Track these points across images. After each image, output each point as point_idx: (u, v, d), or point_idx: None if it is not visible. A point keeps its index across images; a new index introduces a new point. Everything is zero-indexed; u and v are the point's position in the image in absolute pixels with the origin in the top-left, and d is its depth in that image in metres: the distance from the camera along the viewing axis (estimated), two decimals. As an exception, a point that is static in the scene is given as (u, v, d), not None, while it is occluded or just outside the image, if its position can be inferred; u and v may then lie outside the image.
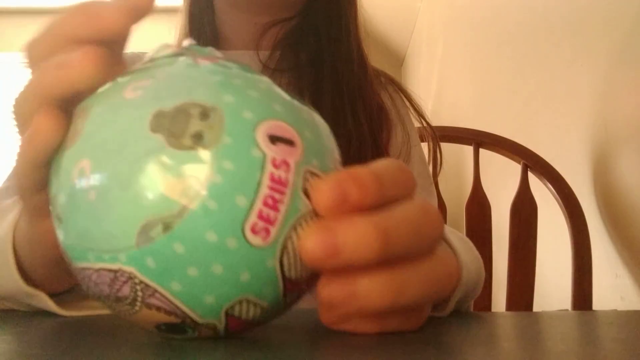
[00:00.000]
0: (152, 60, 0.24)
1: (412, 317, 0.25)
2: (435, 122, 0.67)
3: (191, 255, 0.20)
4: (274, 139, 0.21)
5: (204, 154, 0.20)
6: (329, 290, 0.22)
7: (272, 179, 0.21)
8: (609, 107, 0.80)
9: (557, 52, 1.00)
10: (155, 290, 0.21)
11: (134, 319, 0.22)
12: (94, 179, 0.21)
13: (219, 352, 0.21)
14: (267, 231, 0.21)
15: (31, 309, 0.34)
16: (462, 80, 1.80)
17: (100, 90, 0.23)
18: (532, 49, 1.13)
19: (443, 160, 0.66)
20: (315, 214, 0.21)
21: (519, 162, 0.84)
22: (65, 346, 0.23)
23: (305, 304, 0.26)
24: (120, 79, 0.23)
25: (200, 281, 0.20)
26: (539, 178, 0.83)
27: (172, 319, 0.22)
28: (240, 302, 0.21)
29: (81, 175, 0.21)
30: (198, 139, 0.20)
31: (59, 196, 0.22)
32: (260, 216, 0.20)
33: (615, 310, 0.62)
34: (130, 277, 0.21)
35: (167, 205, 0.20)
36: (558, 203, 0.80)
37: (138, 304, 0.21)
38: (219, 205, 0.20)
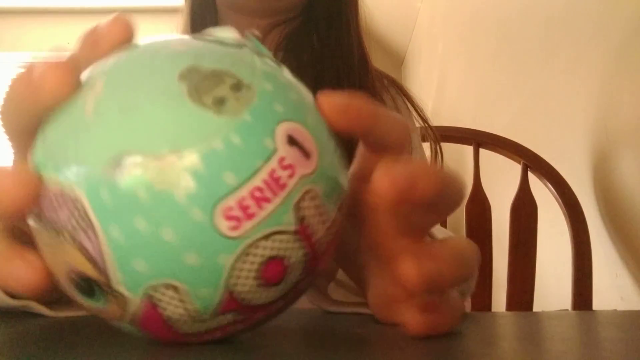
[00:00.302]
0: (210, 34, 0.24)
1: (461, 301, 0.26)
2: (435, 122, 0.67)
3: (149, 205, 0.19)
4: (292, 141, 0.20)
5: (217, 118, 0.19)
6: (420, 270, 0.22)
7: (271, 176, 0.19)
8: (609, 108, 0.80)
9: (557, 52, 1.00)
10: (92, 228, 0.19)
11: (54, 253, 0.20)
12: (99, 98, 0.20)
13: (217, 352, 0.21)
14: (239, 223, 0.19)
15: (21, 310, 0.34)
16: (462, 80, 1.80)
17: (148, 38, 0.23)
18: (532, 49, 1.13)
19: (443, 160, 0.67)
20: (295, 239, 0.20)
21: (519, 162, 0.84)
22: (62, 345, 0.23)
23: (302, 304, 0.26)
24: (170, 36, 0.23)
25: (141, 238, 0.19)
26: (539, 178, 0.83)
27: (88, 270, 0.20)
28: (167, 287, 0.19)
29: (88, 90, 0.20)
30: (219, 103, 0.20)
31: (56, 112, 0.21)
32: (240, 204, 0.19)
33: (615, 310, 0.62)
34: (75, 202, 0.19)
35: (153, 145, 0.19)
36: (558, 203, 0.80)
37: (66, 234, 0.20)
38: (205, 171, 0.19)
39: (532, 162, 0.83)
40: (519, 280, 0.79)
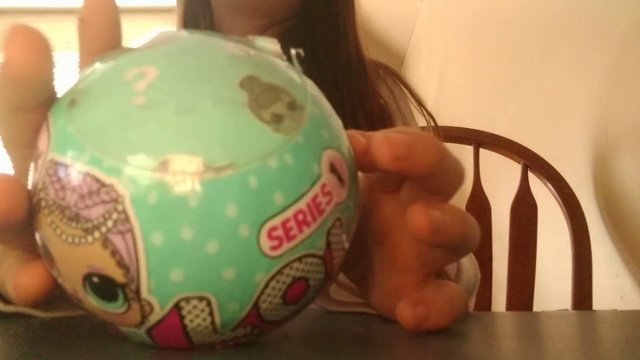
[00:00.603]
0: (252, 43, 0.23)
1: (464, 297, 0.26)
2: (435, 122, 0.67)
3: (199, 216, 0.18)
4: (333, 169, 0.20)
5: (275, 136, 0.19)
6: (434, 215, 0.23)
7: (314, 201, 0.19)
8: (609, 107, 0.80)
9: (557, 52, 1.00)
10: (131, 232, 0.18)
11: (71, 252, 0.19)
12: (152, 87, 0.19)
13: (219, 353, 0.21)
14: (280, 243, 0.19)
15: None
16: (462, 80, 1.80)
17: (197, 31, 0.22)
18: (532, 49, 1.13)
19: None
20: (321, 263, 0.20)
21: (519, 162, 0.84)
22: (57, 346, 0.23)
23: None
24: (216, 34, 0.22)
25: (184, 249, 0.18)
26: (539, 178, 0.83)
27: (115, 275, 0.18)
28: (200, 300, 0.19)
29: (139, 76, 0.19)
30: (277, 120, 0.19)
31: (90, 76, 0.20)
32: (284, 225, 0.19)
33: (615, 310, 0.62)
34: (116, 201, 0.18)
35: (210, 153, 0.18)
36: (558, 203, 0.80)
37: (97, 234, 0.18)
38: (258, 187, 0.18)
39: (532, 162, 0.83)
40: (519, 280, 0.79)
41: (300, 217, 0.19)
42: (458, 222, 0.23)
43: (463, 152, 0.95)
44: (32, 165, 0.21)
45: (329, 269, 0.21)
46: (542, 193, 0.82)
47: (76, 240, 0.19)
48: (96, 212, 0.18)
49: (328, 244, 0.20)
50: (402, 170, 0.22)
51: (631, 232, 0.75)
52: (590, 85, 0.85)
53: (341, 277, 0.38)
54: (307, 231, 0.19)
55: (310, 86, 0.22)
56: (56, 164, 0.19)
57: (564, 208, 0.79)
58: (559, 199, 0.79)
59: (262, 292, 0.19)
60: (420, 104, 0.61)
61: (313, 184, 0.19)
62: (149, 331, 0.20)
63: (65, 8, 2.93)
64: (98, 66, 0.21)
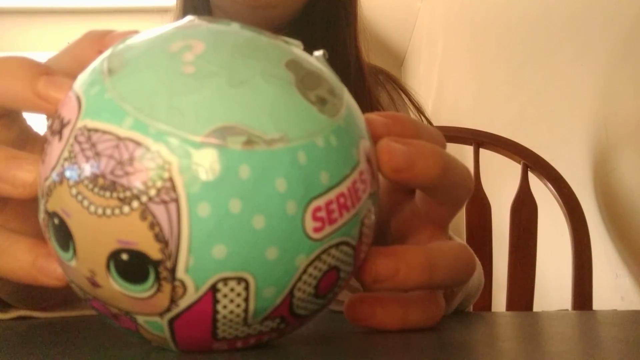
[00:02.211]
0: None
1: (431, 308, 0.26)
2: (435, 122, 0.67)
3: (249, 188, 0.17)
4: (368, 160, 0.21)
5: (321, 116, 0.19)
6: (376, 266, 0.22)
7: (353, 185, 0.19)
8: (609, 107, 0.80)
9: (557, 52, 1.00)
10: (176, 202, 0.17)
11: (99, 222, 0.17)
12: (202, 59, 0.18)
13: (224, 354, 0.21)
14: (322, 225, 0.19)
15: None
16: (462, 80, 1.80)
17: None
18: (532, 49, 1.13)
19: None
20: (353, 254, 0.20)
21: (519, 162, 0.84)
22: (57, 346, 0.23)
23: None
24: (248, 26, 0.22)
25: (231, 222, 0.17)
26: (539, 178, 0.83)
27: (151, 251, 0.17)
28: (239, 282, 0.18)
29: (186, 48, 0.19)
30: (322, 102, 0.19)
31: (126, 51, 0.20)
32: (328, 207, 0.19)
33: (615, 310, 0.62)
34: (161, 168, 0.17)
35: (262, 126, 0.18)
36: (558, 203, 0.80)
37: (136, 204, 0.17)
38: (307, 163, 0.18)
39: (532, 162, 0.83)
40: (519, 280, 0.79)
41: (342, 200, 0.19)
42: (429, 158, 0.22)
43: (463, 152, 0.95)
44: (49, 138, 0.20)
45: (358, 262, 0.21)
46: (542, 193, 0.82)
47: (108, 211, 0.17)
48: (137, 180, 0.17)
49: (360, 235, 0.20)
50: (403, 181, 0.22)
51: (631, 232, 0.75)
52: (590, 85, 0.86)
53: None
54: (346, 216, 0.19)
55: (341, 81, 0.22)
56: (90, 130, 0.18)
57: (564, 208, 0.79)
58: (559, 199, 0.79)
59: (299, 278, 0.19)
60: (419, 110, 0.61)
61: (353, 169, 0.19)
62: (172, 321, 0.18)
63: (66, 8, 2.93)
64: (133, 41, 0.20)
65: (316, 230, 0.18)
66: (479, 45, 1.59)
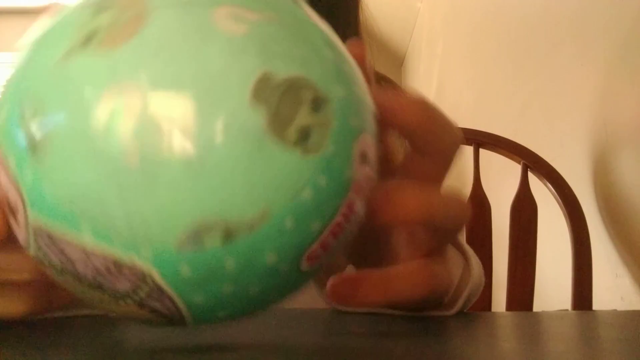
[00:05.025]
0: None
1: (418, 277, 0.26)
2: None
3: (238, 272, 0.16)
4: (364, 159, 0.18)
5: (305, 161, 0.16)
6: (374, 196, 0.21)
7: (349, 206, 0.17)
8: (609, 107, 0.80)
9: (557, 52, 1.00)
10: (170, 298, 0.16)
11: (107, 307, 0.17)
12: (142, 138, 0.14)
13: (227, 352, 0.21)
14: (318, 259, 0.18)
15: None
16: (462, 80, 1.80)
17: None
18: (532, 49, 1.13)
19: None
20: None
21: (519, 162, 0.84)
22: (59, 346, 0.23)
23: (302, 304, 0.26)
24: None
25: (226, 299, 0.17)
26: (539, 178, 0.83)
27: (160, 319, 0.18)
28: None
29: (116, 117, 0.14)
30: (304, 136, 0.16)
31: (51, 107, 0.15)
32: (322, 244, 0.17)
33: (615, 310, 0.62)
34: (143, 279, 0.16)
35: (238, 208, 0.15)
36: (558, 203, 0.80)
37: (130, 301, 0.17)
38: (295, 226, 0.16)
39: (532, 162, 0.83)
40: (519, 280, 0.79)
41: (337, 229, 0.18)
42: (406, 98, 0.23)
43: (463, 152, 0.95)
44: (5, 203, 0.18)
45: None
46: (542, 193, 0.82)
47: (105, 301, 0.17)
48: (123, 286, 0.16)
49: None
50: (383, 122, 0.22)
51: (631, 232, 0.75)
52: (590, 85, 0.85)
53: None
54: (341, 236, 0.18)
55: (327, 40, 0.18)
56: (48, 234, 0.16)
57: (564, 208, 0.79)
58: (559, 199, 0.79)
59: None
60: None
61: (347, 191, 0.17)
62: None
63: (65, 8, 2.92)
64: (50, 79, 0.16)
65: (312, 264, 0.18)
66: (478, 46, 1.58)
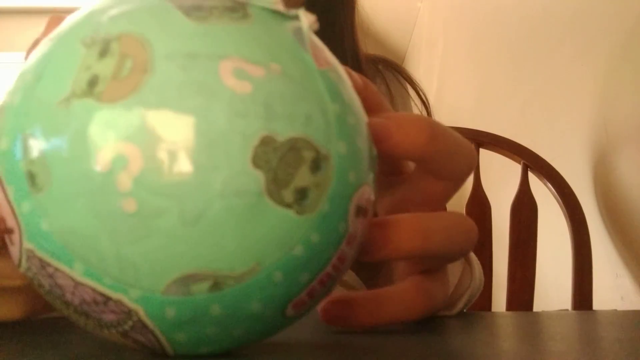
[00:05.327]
0: (253, 14, 0.18)
1: (413, 300, 0.25)
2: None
3: (223, 319, 0.16)
4: (359, 211, 0.18)
5: (299, 220, 0.16)
6: (369, 233, 0.21)
7: (339, 257, 0.18)
8: (609, 107, 0.80)
9: (557, 52, 1.00)
10: (153, 334, 0.17)
11: (95, 332, 0.18)
12: (142, 186, 0.15)
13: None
14: (304, 306, 0.18)
15: None
16: (462, 80, 1.80)
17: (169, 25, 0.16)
18: (532, 49, 1.13)
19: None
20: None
21: (519, 162, 0.84)
22: (59, 346, 0.23)
23: None
24: (215, 23, 0.16)
25: (210, 340, 0.17)
26: (539, 178, 0.83)
27: (143, 349, 0.18)
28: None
29: (118, 164, 0.15)
30: (301, 197, 0.16)
31: (53, 145, 0.16)
32: (309, 293, 0.17)
33: (615, 310, 0.62)
34: (128, 314, 0.16)
35: (229, 263, 0.16)
36: (558, 203, 0.80)
37: (114, 331, 0.17)
38: (284, 279, 0.16)
39: (532, 162, 0.83)
40: (519, 280, 0.79)
41: (326, 278, 0.18)
42: (409, 127, 0.21)
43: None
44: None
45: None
46: (542, 193, 0.82)
47: (90, 326, 0.18)
48: (108, 317, 0.17)
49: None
50: (385, 154, 0.21)
51: (631, 232, 0.75)
52: (590, 85, 0.85)
53: (347, 276, 0.38)
54: (330, 283, 0.18)
55: (330, 88, 0.18)
56: (40, 260, 0.16)
57: (564, 208, 0.79)
58: (559, 199, 0.79)
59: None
60: (421, 98, 0.60)
61: (339, 244, 0.17)
62: None
63: (66, 8, 2.92)
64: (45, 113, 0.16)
65: (297, 311, 0.18)
66: (478, 46, 1.58)
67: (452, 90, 1.94)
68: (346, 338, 0.24)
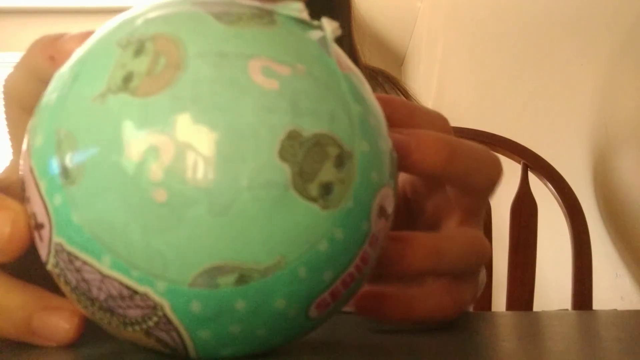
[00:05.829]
0: (279, 21, 0.18)
1: (442, 300, 0.25)
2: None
3: (246, 315, 0.17)
4: (382, 212, 0.18)
5: (324, 215, 0.16)
6: (383, 250, 0.21)
7: (362, 258, 0.18)
8: (609, 107, 0.80)
9: (557, 52, 1.00)
10: (177, 330, 0.17)
11: (114, 330, 0.18)
12: (172, 176, 0.15)
13: None
14: (327, 307, 0.18)
15: None
16: (462, 80, 1.80)
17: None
18: (532, 49, 1.13)
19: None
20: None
21: (519, 162, 0.84)
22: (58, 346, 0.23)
23: None
24: (242, 30, 0.17)
25: (234, 338, 0.17)
26: (539, 178, 0.83)
27: (165, 349, 0.18)
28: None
29: (150, 155, 0.16)
30: (326, 191, 0.16)
31: (87, 140, 0.16)
32: (333, 293, 0.18)
33: (615, 310, 0.62)
34: (154, 308, 0.16)
35: (255, 256, 0.16)
36: (558, 203, 0.80)
37: (137, 328, 0.17)
38: (308, 275, 0.17)
39: (532, 162, 0.83)
40: (519, 280, 0.79)
41: (349, 279, 0.18)
42: (428, 146, 0.22)
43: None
44: (30, 211, 0.18)
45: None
46: (542, 193, 0.82)
47: (114, 324, 0.18)
48: (132, 313, 0.17)
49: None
50: (403, 171, 0.22)
51: (631, 232, 0.75)
52: (590, 85, 0.85)
53: None
54: (353, 284, 0.18)
55: (353, 91, 0.18)
56: (69, 254, 0.17)
57: (564, 208, 0.79)
58: (559, 199, 0.79)
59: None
60: None
61: (362, 243, 0.18)
62: None
63: (65, 8, 2.93)
64: (78, 113, 0.17)
65: (320, 312, 0.18)
66: (479, 46, 1.58)
67: (452, 90, 1.94)
68: (342, 336, 0.24)
